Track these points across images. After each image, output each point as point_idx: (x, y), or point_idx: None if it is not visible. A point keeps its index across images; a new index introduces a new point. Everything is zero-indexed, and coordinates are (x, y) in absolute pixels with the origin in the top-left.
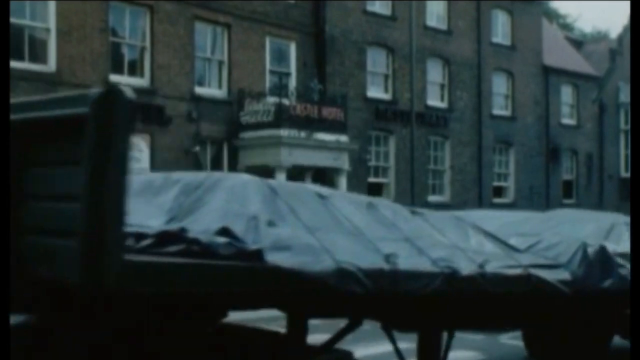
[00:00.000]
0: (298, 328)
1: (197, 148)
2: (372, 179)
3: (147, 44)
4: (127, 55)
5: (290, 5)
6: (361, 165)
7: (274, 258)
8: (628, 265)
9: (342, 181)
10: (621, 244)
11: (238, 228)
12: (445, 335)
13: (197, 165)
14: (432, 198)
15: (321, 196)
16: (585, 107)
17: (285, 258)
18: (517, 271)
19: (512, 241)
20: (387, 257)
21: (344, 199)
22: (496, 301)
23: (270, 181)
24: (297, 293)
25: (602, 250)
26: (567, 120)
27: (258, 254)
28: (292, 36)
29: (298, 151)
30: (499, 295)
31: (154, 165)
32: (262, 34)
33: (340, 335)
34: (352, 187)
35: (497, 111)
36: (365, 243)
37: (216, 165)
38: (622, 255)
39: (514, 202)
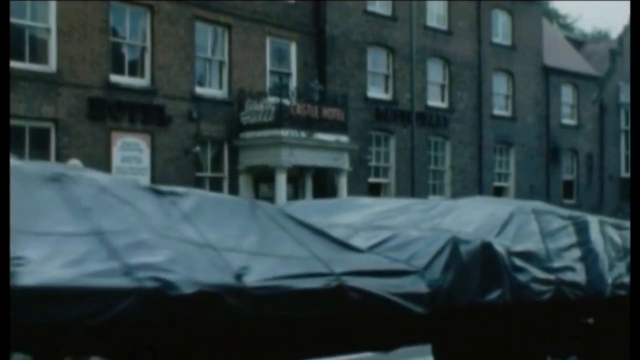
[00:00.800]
0: None
1: (198, 148)
2: (372, 179)
3: (148, 44)
4: (128, 55)
5: (290, 6)
6: (361, 165)
7: None
8: (533, 269)
9: (343, 181)
10: (522, 241)
11: None
12: None
13: (197, 166)
14: (433, 198)
15: None
16: (586, 107)
17: None
18: (319, 283)
19: (358, 238)
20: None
21: None
22: (287, 325)
23: None
24: None
25: (485, 248)
26: (567, 121)
27: None
28: (292, 36)
29: (298, 151)
30: (285, 318)
31: (154, 165)
32: (262, 34)
33: None
34: (352, 187)
35: (497, 111)
36: None
37: (216, 166)
38: (521, 255)
39: None
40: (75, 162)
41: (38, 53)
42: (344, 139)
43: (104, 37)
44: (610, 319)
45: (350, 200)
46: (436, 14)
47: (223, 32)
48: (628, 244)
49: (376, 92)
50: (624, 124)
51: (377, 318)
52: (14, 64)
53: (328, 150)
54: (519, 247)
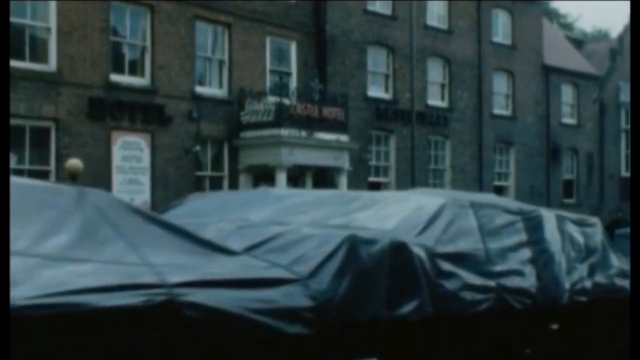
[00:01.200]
0: None
1: (198, 148)
2: (372, 179)
3: (148, 43)
4: (128, 54)
5: (290, 5)
6: (362, 164)
7: None
8: (465, 274)
9: (343, 181)
10: (453, 240)
11: None
12: None
13: (198, 165)
14: None
15: None
16: (586, 106)
17: None
18: (135, 298)
19: (237, 237)
20: None
21: None
22: (83, 357)
23: None
24: None
25: (396, 249)
26: (567, 120)
27: None
28: (292, 36)
29: (298, 151)
30: (76, 348)
31: (154, 165)
32: (262, 33)
33: None
34: (352, 186)
35: (497, 111)
36: None
37: (216, 165)
38: (450, 257)
39: None
40: (75, 162)
41: (38, 52)
42: (344, 138)
43: (104, 36)
44: (575, 325)
45: (265, 193)
46: (436, 13)
47: (223, 32)
48: (592, 242)
49: (376, 91)
50: (624, 123)
51: (239, 342)
52: (14, 64)
53: (328, 149)
54: (447, 248)
